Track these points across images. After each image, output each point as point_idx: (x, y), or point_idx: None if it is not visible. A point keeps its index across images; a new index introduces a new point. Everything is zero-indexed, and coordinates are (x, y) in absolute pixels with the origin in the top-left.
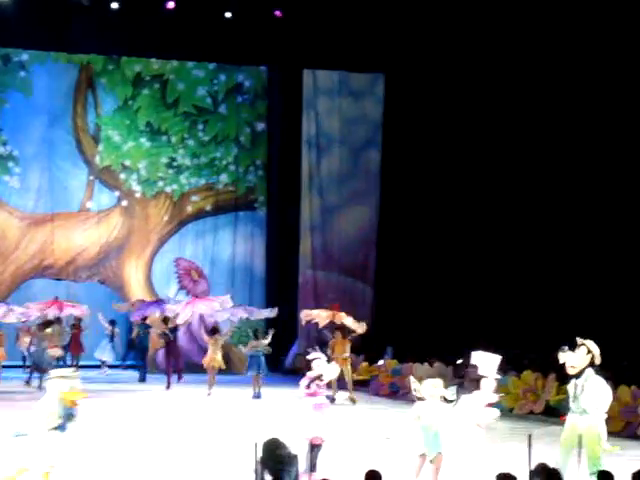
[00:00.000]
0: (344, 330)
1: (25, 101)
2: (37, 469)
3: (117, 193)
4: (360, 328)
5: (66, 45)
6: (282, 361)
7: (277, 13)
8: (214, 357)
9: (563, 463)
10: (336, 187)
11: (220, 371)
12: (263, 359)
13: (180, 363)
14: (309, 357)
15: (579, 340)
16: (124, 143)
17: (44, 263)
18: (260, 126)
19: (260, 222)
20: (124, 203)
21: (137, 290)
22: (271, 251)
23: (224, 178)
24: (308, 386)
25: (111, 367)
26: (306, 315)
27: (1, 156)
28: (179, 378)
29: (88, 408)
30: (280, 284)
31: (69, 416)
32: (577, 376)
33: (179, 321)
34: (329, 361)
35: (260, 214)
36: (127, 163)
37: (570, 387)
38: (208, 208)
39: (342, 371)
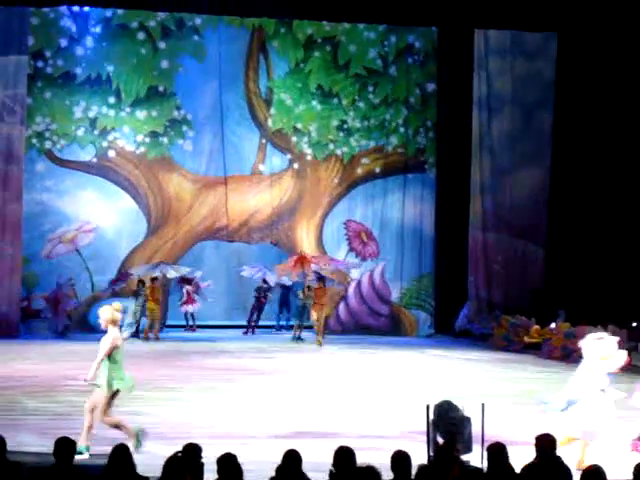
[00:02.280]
0: (324, 279)
1: (198, 65)
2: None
3: (289, 156)
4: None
5: (239, 9)
6: (452, 323)
7: None
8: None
9: None
10: (507, 148)
11: (388, 333)
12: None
13: None
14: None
15: None
16: (295, 106)
17: (216, 225)
18: (430, 87)
19: (430, 184)
20: (295, 166)
21: (308, 251)
22: (440, 213)
23: (394, 140)
24: None
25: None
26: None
27: (175, 120)
28: None
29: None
30: (449, 246)
31: None
32: None
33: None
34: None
35: (430, 176)
36: (298, 126)
37: None
38: (377, 170)
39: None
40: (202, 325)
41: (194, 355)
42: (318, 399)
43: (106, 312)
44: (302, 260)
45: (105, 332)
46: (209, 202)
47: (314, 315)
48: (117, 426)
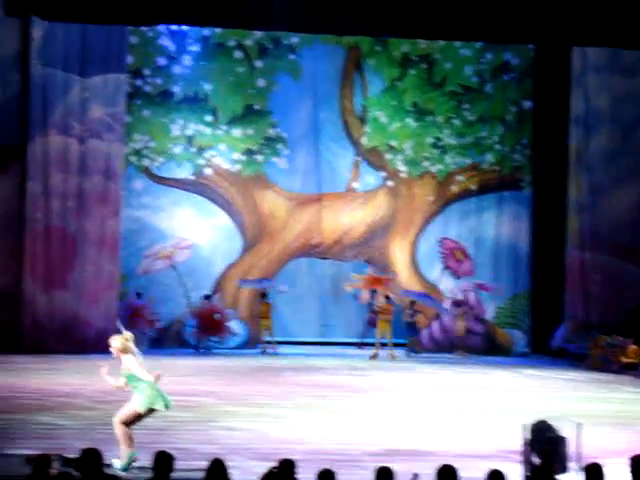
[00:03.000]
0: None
1: (294, 84)
2: None
3: (383, 173)
4: None
5: (335, 27)
6: (548, 343)
7: None
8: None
9: None
10: (605, 166)
11: (482, 352)
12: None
13: None
14: None
15: None
16: (390, 124)
17: (310, 242)
18: (527, 104)
19: (526, 202)
20: (389, 183)
21: (402, 269)
22: (537, 231)
23: (489, 157)
24: None
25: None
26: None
27: (270, 138)
28: None
29: None
30: (546, 265)
31: None
32: None
33: None
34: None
35: (526, 194)
36: (393, 143)
37: None
38: (473, 188)
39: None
40: (294, 342)
41: (287, 371)
42: (412, 417)
43: (116, 341)
44: (376, 281)
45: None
46: (304, 219)
47: (382, 331)
48: (124, 440)
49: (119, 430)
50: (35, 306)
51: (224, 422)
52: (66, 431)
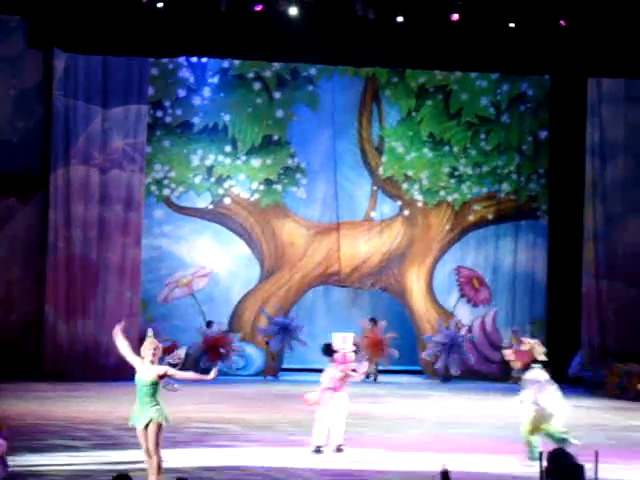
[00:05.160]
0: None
1: (312, 114)
2: None
3: (399, 202)
4: None
5: (353, 59)
6: (565, 370)
7: (561, 22)
8: None
9: None
10: (621, 195)
11: (499, 379)
12: None
13: None
14: None
15: None
16: (407, 154)
17: (329, 270)
18: (543, 134)
19: (542, 231)
20: (406, 212)
21: (418, 297)
22: (553, 260)
23: (506, 187)
24: None
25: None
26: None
27: (289, 168)
28: None
29: None
30: (562, 293)
31: None
32: None
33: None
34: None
35: (542, 223)
36: (409, 173)
37: None
38: (489, 217)
39: None
40: (311, 369)
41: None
42: (424, 443)
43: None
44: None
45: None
46: (323, 248)
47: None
48: (154, 460)
49: (155, 453)
50: (56, 333)
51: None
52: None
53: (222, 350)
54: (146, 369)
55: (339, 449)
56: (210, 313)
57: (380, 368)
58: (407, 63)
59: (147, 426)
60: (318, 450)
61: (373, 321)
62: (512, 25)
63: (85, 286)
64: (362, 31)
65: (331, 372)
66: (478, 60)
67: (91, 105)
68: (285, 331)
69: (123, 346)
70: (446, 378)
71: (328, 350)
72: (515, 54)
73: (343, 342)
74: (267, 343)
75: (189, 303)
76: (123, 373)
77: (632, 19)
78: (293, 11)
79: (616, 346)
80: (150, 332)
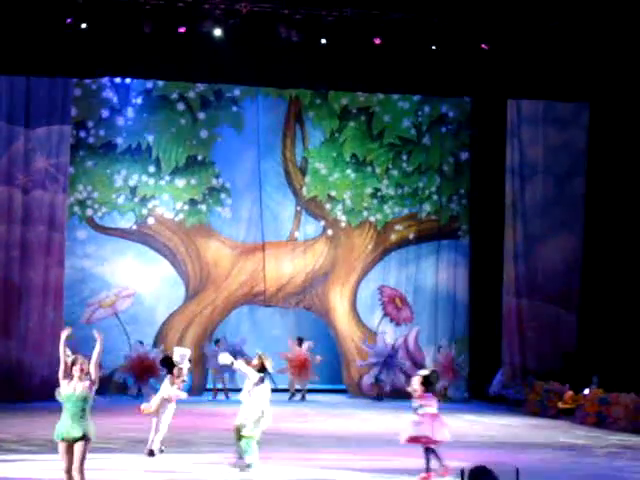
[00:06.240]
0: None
1: (236, 135)
2: None
3: (323, 223)
4: None
5: (276, 80)
6: (486, 388)
7: (483, 46)
8: None
9: None
10: (540, 215)
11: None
12: None
13: None
14: None
15: None
16: (330, 174)
17: (254, 290)
18: (463, 156)
19: (463, 250)
20: (329, 232)
21: (342, 317)
22: (474, 279)
23: (427, 207)
24: None
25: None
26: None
27: (214, 188)
28: None
29: None
30: (483, 312)
31: None
32: None
33: None
34: None
35: (463, 242)
36: (333, 194)
37: None
38: (411, 237)
39: None
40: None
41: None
42: (344, 460)
43: None
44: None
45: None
46: (248, 268)
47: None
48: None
49: None
50: None
51: None
52: None
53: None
54: (77, 385)
55: (152, 453)
56: (135, 333)
57: (308, 387)
58: (330, 85)
59: (76, 441)
60: (151, 453)
61: (299, 340)
62: (434, 48)
63: (8, 307)
64: (286, 53)
65: (167, 384)
66: (400, 82)
67: (14, 125)
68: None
69: (63, 354)
70: (380, 397)
71: (167, 362)
72: (436, 76)
73: (180, 358)
74: (215, 371)
75: (113, 324)
76: (47, 393)
77: (550, 43)
78: (217, 32)
79: (536, 364)
80: (68, 352)
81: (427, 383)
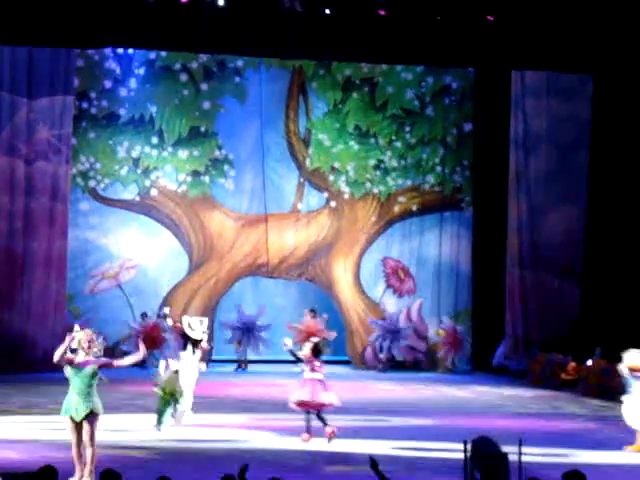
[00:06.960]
0: None
1: (239, 106)
2: None
3: (326, 194)
4: None
5: (280, 51)
6: (489, 360)
7: (488, 18)
8: None
9: None
10: (543, 187)
11: (425, 369)
12: None
13: None
14: None
15: None
16: (333, 146)
17: (257, 262)
18: (467, 127)
19: (466, 222)
20: (333, 204)
21: (345, 288)
22: (477, 251)
23: (430, 179)
24: None
25: None
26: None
27: (217, 160)
28: None
29: None
30: (486, 283)
31: None
32: None
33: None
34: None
35: (466, 214)
36: (336, 165)
37: None
38: (414, 209)
39: None
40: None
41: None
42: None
43: None
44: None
45: None
46: (251, 239)
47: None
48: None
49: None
50: None
51: None
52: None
53: (158, 338)
54: (84, 360)
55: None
56: (138, 305)
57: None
58: (333, 55)
59: (86, 417)
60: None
61: (312, 312)
62: (438, 18)
63: (11, 278)
64: (289, 23)
65: (188, 355)
66: (403, 53)
67: (16, 96)
68: (249, 331)
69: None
70: (385, 368)
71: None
72: (440, 47)
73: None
74: (239, 343)
75: (116, 295)
76: (50, 365)
77: (555, 14)
78: (220, 2)
79: (539, 335)
80: (77, 327)
81: (316, 350)
